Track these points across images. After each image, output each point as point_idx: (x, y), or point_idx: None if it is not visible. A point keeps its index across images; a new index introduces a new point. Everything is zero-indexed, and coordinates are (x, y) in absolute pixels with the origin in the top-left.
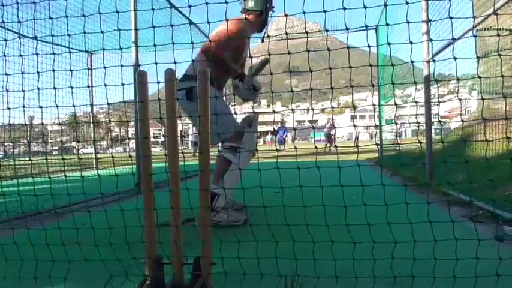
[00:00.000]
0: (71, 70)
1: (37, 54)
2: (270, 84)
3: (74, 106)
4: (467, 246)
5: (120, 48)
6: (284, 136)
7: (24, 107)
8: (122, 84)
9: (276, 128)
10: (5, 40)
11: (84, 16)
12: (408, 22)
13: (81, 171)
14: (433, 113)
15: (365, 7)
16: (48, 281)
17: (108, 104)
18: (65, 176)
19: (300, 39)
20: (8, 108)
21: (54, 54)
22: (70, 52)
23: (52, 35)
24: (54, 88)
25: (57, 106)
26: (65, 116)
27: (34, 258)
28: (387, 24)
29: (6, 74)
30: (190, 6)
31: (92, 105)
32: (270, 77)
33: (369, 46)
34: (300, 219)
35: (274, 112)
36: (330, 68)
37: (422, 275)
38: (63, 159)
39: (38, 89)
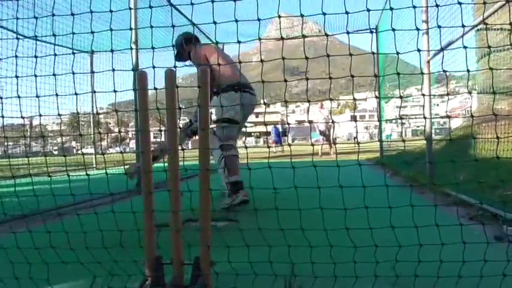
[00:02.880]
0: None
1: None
2: (262, 82)
3: (76, 95)
4: (467, 246)
5: (112, 51)
6: (278, 134)
7: (39, 104)
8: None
9: (270, 129)
10: (1, 39)
11: (71, 16)
12: (414, 7)
13: (82, 170)
14: (434, 113)
15: (368, 10)
16: (46, 283)
17: (93, 98)
18: (68, 175)
19: (299, 39)
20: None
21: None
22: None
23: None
24: (55, 78)
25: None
26: (64, 116)
27: (25, 260)
28: (391, 9)
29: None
30: (192, 4)
31: (92, 104)
32: (269, 77)
33: (370, 31)
34: (298, 221)
35: (265, 105)
36: (328, 55)
37: (423, 275)
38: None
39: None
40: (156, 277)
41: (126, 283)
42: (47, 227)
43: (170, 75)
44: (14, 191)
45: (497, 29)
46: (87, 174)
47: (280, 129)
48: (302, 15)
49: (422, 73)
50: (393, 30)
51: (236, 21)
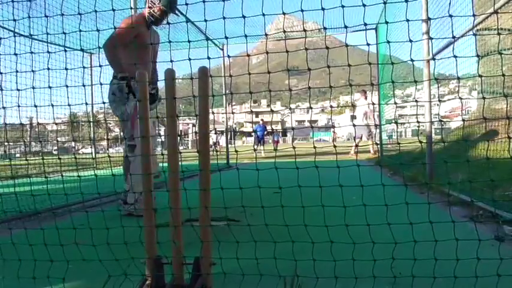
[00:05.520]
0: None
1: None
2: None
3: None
4: (467, 246)
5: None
6: (263, 134)
7: (39, 106)
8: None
9: (255, 127)
10: (1, 38)
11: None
12: (407, 20)
13: (78, 171)
14: (434, 113)
15: (364, 5)
16: (47, 281)
17: (103, 102)
18: (96, 175)
19: (299, 39)
20: (4, 108)
21: (49, 52)
22: (66, 51)
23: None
24: (50, 87)
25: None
26: (64, 116)
27: (32, 258)
28: (386, 22)
29: (1, 73)
30: (187, 4)
31: (92, 104)
32: (270, 77)
33: (368, 44)
34: (300, 220)
35: (272, 111)
36: (328, 67)
37: (422, 275)
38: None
39: (33, 87)
40: (156, 277)
41: (137, 284)
42: (73, 222)
43: (169, 75)
44: (46, 188)
45: (496, 29)
46: (113, 175)
47: (263, 128)
48: (302, 10)
49: (415, 81)
50: (388, 42)
51: (243, 17)
